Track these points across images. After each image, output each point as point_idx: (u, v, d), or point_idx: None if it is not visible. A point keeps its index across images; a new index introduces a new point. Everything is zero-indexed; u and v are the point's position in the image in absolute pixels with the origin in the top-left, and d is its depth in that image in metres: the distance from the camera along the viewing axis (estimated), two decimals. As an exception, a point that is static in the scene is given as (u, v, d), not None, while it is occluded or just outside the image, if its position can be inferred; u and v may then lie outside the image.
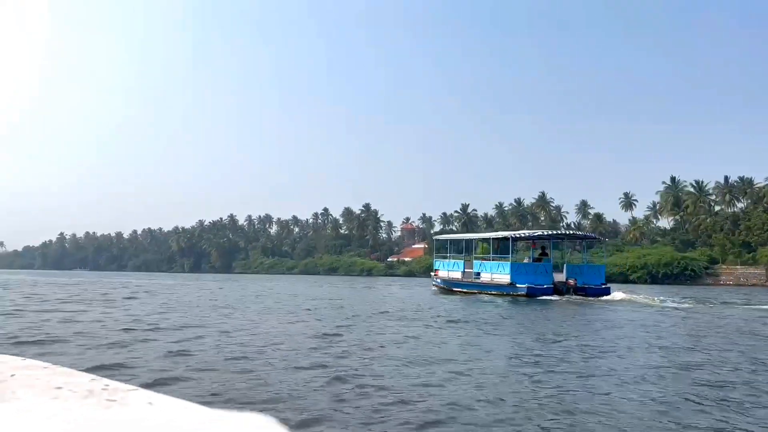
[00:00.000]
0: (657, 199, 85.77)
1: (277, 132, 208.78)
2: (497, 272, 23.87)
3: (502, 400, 5.53)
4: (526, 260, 25.24)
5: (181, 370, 6.62)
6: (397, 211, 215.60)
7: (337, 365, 7.17)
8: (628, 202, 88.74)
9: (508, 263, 23.47)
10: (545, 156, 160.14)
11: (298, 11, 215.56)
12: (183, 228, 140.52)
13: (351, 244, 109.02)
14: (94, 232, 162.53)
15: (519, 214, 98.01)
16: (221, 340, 9.39)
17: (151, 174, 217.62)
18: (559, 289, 22.30)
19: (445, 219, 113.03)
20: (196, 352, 8.00)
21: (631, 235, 75.68)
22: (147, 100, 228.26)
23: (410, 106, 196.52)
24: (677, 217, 73.27)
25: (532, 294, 21.75)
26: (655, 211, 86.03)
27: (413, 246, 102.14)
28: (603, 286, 23.10)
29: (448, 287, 27.41)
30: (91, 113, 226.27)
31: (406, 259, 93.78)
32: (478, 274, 25.23)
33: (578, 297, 21.88)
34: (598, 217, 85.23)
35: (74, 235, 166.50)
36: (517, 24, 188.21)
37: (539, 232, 27.30)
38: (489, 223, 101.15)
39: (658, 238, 75.58)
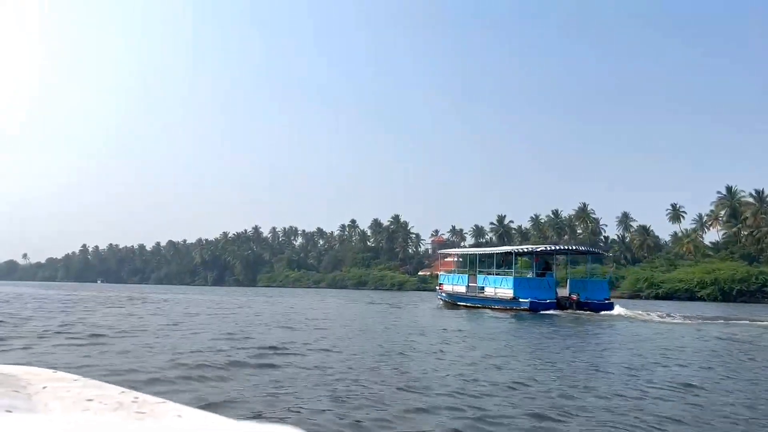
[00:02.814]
0: (704, 210, 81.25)
1: (297, 142, 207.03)
2: (500, 287, 23.93)
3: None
4: (529, 275, 24.90)
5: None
6: (423, 224, 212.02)
7: None
8: (675, 214, 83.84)
9: (511, 278, 23.52)
10: (584, 166, 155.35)
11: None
12: (206, 240, 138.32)
13: (380, 257, 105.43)
14: (116, 245, 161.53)
15: (557, 226, 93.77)
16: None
17: (173, 185, 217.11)
18: (561, 304, 22.29)
19: (478, 231, 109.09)
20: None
21: (684, 248, 70.79)
22: (163, 111, 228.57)
23: (435, 115, 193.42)
24: (734, 229, 68.32)
25: (534, 309, 21.81)
26: (702, 223, 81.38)
27: (446, 259, 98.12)
28: (606, 302, 22.86)
29: (452, 301, 27.52)
30: (111, 124, 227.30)
31: (439, 272, 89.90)
32: (482, 288, 25.23)
33: (581, 312, 21.66)
34: (645, 229, 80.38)
35: (97, 248, 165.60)
36: (546, 22, 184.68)
37: (542, 247, 26.90)
38: (524, 236, 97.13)
39: (710, 252, 70.82)
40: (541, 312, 21.54)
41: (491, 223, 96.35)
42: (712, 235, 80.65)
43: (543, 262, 25.34)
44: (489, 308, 23.67)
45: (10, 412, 0.98)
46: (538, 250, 25.74)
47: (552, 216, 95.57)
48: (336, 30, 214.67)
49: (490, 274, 25.55)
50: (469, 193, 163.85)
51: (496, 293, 24.09)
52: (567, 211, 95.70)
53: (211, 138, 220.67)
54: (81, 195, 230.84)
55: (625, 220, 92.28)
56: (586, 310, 21.88)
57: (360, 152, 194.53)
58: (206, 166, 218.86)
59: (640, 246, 79.06)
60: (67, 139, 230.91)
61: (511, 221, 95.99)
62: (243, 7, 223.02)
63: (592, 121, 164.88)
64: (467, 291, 26.48)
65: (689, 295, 49.25)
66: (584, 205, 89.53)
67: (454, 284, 28.09)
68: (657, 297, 50.94)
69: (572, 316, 20.45)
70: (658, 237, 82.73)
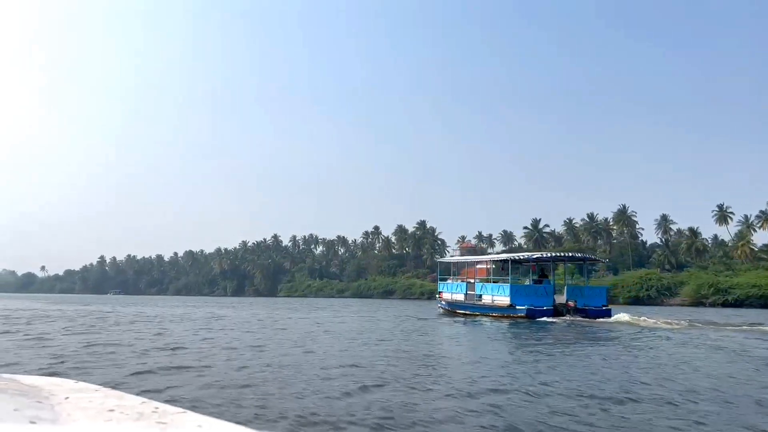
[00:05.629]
0: (752, 211, 76.30)
1: (315, 149, 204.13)
2: (498, 294, 23.94)
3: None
4: (527, 282, 25.37)
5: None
6: (449, 230, 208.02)
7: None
8: (722, 216, 78.82)
9: (508, 285, 23.50)
10: (619, 169, 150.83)
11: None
12: (225, 249, 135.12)
13: (406, 265, 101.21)
14: (134, 256, 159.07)
15: (592, 230, 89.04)
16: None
17: (192, 196, 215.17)
18: (559, 311, 22.48)
19: (507, 237, 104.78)
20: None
21: (739, 252, 65.81)
22: (178, 123, 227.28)
23: (460, 117, 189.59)
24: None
25: (531, 316, 21.88)
26: (749, 225, 76.45)
27: (477, 266, 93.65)
28: (604, 308, 23.15)
29: (452, 309, 27.59)
30: (118, 132, 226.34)
31: (471, 280, 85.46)
32: (480, 296, 25.33)
33: (577, 319, 21.69)
34: (693, 231, 75.36)
35: (114, 259, 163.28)
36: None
37: (538, 254, 27.23)
38: (558, 241, 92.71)
39: (763, 255, 65.90)
40: (538, 319, 21.59)
41: (525, 228, 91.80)
42: (760, 237, 75.78)
43: (539, 269, 25.77)
44: (487, 316, 23.81)
45: (34, 423, 0.99)
46: (534, 257, 26.16)
47: (587, 220, 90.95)
48: (339, 41, 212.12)
49: (496, 281, 25.54)
50: (495, 199, 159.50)
51: (493, 301, 24.06)
52: (603, 213, 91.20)
53: (223, 146, 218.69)
54: (94, 206, 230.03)
55: (663, 222, 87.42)
56: (583, 317, 22.07)
57: (365, 159, 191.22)
58: (221, 174, 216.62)
59: (688, 249, 74.05)
60: (73, 149, 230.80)
61: (547, 225, 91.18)
62: (234, 11, 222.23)
63: (609, 123, 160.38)
64: (465, 299, 26.50)
65: (764, 302, 44.44)
66: (624, 206, 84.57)
67: (453, 292, 28.15)
68: (725, 304, 46.18)
69: (568, 323, 20.31)
70: (706, 240, 77.60)
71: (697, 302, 48.55)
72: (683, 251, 74.81)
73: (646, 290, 54.08)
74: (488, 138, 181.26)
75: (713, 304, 47.01)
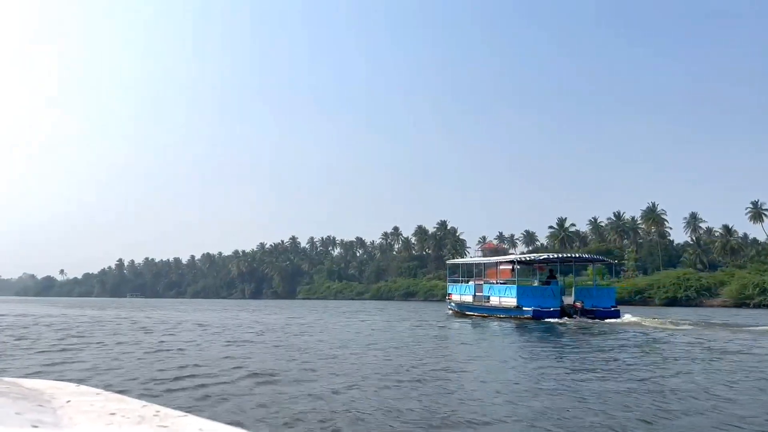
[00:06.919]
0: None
1: (319, 149, 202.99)
2: (505, 296, 24.02)
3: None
4: (536, 283, 25.27)
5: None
6: (466, 230, 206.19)
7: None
8: (756, 213, 75.84)
9: (515, 286, 23.52)
10: (620, 168, 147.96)
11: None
12: (243, 251, 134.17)
13: (427, 266, 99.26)
14: (152, 259, 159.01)
15: (619, 229, 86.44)
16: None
17: (208, 198, 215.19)
18: (566, 312, 22.40)
19: (529, 237, 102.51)
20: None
21: (777, 250, 62.94)
22: (191, 128, 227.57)
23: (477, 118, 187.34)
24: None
25: (538, 317, 21.93)
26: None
27: (501, 267, 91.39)
28: (612, 309, 23.04)
29: (461, 311, 27.88)
30: (145, 144, 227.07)
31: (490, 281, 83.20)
32: (488, 297, 25.43)
33: (586, 320, 21.59)
34: (728, 229, 72.58)
35: (132, 262, 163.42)
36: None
37: (545, 256, 27.33)
38: (583, 241, 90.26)
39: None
40: (546, 320, 21.64)
41: (550, 227, 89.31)
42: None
43: (548, 271, 25.67)
44: (495, 317, 23.92)
45: (36, 426, 0.99)
46: (541, 258, 26.16)
47: (613, 218, 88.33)
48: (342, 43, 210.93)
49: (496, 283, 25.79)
50: (510, 200, 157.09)
51: (500, 302, 24.11)
52: (630, 212, 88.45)
53: (235, 147, 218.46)
54: (112, 209, 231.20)
55: (693, 221, 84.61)
56: (590, 318, 21.92)
57: (369, 159, 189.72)
58: (235, 176, 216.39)
59: (722, 248, 71.24)
60: (89, 152, 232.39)
61: (573, 224, 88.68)
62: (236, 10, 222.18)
63: (609, 123, 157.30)
64: (474, 300, 26.63)
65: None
66: (653, 204, 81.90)
67: (462, 294, 28.15)
68: (773, 305, 43.72)
69: (577, 324, 20.19)
70: (740, 238, 74.61)
71: (741, 303, 46.12)
72: (717, 250, 72.05)
73: (684, 291, 51.70)
74: (489, 138, 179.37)
75: (758, 305, 44.57)
